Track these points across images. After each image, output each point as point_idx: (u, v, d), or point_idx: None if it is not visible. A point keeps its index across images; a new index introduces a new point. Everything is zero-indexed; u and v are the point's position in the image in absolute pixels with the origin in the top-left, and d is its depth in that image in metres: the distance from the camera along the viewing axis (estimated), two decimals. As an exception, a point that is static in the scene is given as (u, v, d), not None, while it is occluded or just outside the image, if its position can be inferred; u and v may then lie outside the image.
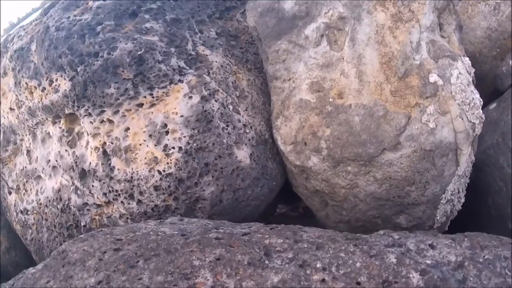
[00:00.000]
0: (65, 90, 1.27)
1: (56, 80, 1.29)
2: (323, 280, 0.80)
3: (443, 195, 1.20)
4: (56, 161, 1.36)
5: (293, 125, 1.23)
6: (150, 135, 1.20)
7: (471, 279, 0.80)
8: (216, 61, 1.35)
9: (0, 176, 1.59)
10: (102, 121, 1.24)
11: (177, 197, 1.19)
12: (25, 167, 1.49)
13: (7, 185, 1.58)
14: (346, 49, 1.16)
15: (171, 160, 1.18)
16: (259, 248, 0.85)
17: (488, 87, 1.90)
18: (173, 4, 1.42)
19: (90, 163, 1.27)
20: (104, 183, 1.24)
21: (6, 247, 1.79)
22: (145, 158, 1.20)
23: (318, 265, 0.82)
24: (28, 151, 1.49)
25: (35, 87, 1.34)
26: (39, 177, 1.46)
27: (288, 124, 1.24)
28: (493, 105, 1.64)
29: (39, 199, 1.44)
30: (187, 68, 1.28)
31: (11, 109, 1.49)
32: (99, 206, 1.28)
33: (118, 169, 1.22)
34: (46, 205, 1.42)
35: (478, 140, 1.29)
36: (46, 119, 1.38)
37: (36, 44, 1.34)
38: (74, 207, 1.32)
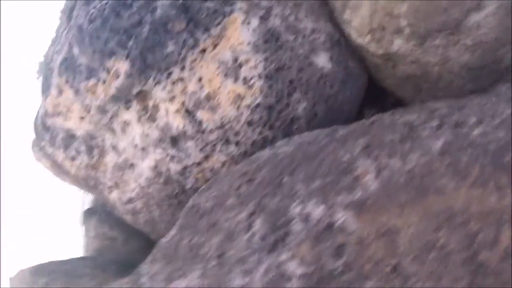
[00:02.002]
0: (126, 70, 1.26)
1: (113, 66, 1.28)
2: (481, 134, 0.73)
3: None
4: (143, 141, 1.36)
5: (364, 13, 1.15)
6: (225, 75, 1.17)
7: None
8: None
9: (98, 182, 1.62)
10: (173, 83, 1.22)
11: (272, 125, 1.16)
12: (116, 162, 1.50)
13: (106, 186, 1.61)
14: None
15: (255, 91, 1.15)
16: (400, 127, 0.78)
17: None
18: None
19: (177, 127, 1.25)
20: (197, 139, 1.22)
21: (122, 240, 1.84)
22: (229, 98, 1.17)
23: (472, 120, 0.74)
24: (113, 147, 1.49)
25: (95, 84, 1.34)
26: (132, 165, 1.46)
27: (359, 14, 1.17)
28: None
29: (140, 184, 1.45)
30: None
31: (81, 118, 1.48)
32: (199, 164, 1.27)
33: (206, 120, 1.20)
34: (148, 186, 1.43)
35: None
36: (118, 108, 1.38)
37: (77, 47, 1.33)
38: (175, 175, 1.32)
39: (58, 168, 1.62)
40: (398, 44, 1.14)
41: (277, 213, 0.66)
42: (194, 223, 0.84)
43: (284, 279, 0.58)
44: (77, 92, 1.38)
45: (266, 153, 0.91)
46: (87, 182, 1.62)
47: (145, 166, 1.41)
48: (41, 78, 1.53)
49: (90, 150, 1.54)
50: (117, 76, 1.28)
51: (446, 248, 0.56)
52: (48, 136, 1.53)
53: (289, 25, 1.19)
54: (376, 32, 1.15)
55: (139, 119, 1.34)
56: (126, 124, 1.40)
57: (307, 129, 1.18)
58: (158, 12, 1.19)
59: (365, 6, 1.14)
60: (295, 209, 0.66)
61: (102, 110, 1.39)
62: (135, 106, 1.33)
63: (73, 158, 1.54)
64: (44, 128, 1.52)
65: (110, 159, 1.52)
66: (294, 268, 0.60)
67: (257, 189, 0.74)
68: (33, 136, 1.66)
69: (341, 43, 1.27)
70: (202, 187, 0.94)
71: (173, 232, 0.94)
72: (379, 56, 1.19)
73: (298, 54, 1.17)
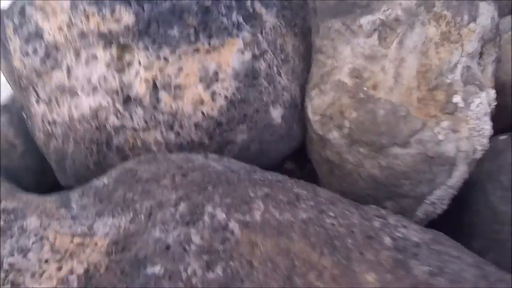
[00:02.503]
0: (128, 22, 1.37)
1: (120, 10, 1.38)
2: (332, 224, 1.01)
3: (429, 197, 1.41)
4: (99, 83, 1.45)
5: (326, 99, 1.40)
6: (200, 79, 1.34)
7: (422, 257, 1.03)
8: (269, 21, 1.48)
9: (32, 88, 1.65)
10: (158, 57, 1.36)
11: (212, 137, 1.35)
12: (62, 82, 1.55)
13: (37, 95, 1.64)
14: (393, 49, 1.32)
15: (215, 105, 1.33)
16: (291, 193, 1.04)
17: (508, 118, 2.09)
18: None
19: (137, 91, 1.39)
20: (147, 111, 1.37)
21: (21, 151, 1.86)
22: (192, 98, 1.34)
23: (331, 214, 1.03)
24: (68, 68, 1.53)
25: (94, 13, 1.41)
26: (75, 93, 1.52)
27: (322, 98, 1.41)
28: (503, 137, 1.81)
29: (72, 114, 1.52)
30: (244, 24, 1.40)
31: (59, 28, 1.52)
32: (135, 130, 1.41)
33: (165, 102, 1.35)
34: (78, 120, 1.50)
35: (477, 163, 1.48)
36: (97, 43, 1.45)
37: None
38: (110, 127, 1.44)
39: (4, 51, 1.64)
40: (334, 135, 1.40)
41: (196, 205, 0.91)
42: (130, 183, 1.01)
43: (187, 243, 0.86)
44: (74, 7, 1.44)
45: (200, 159, 1.11)
46: (21, 81, 1.65)
47: (86, 102, 1.49)
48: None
49: (46, 57, 1.58)
50: (117, 21, 1.38)
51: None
52: (17, 20, 1.56)
53: (270, 74, 1.41)
54: (325, 118, 1.41)
55: (108, 63, 1.44)
56: (94, 58, 1.47)
57: (236, 155, 1.39)
58: (185, 0, 1.33)
59: (329, 95, 1.40)
60: (208, 208, 0.91)
61: (83, 36, 1.46)
62: (113, 50, 1.44)
63: (26, 54, 1.58)
64: (20, 12, 1.55)
65: (59, 76, 1.57)
66: (195, 239, 0.87)
67: (188, 184, 0.96)
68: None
69: (298, 107, 1.51)
70: (140, 158, 1.11)
71: (106, 180, 1.09)
72: (317, 135, 1.45)
73: (262, 99, 1.38)
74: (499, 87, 1.92)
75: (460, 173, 1.42)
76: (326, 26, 1.43)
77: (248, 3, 1.45)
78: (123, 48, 1.45)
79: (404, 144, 1.34)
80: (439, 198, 1.47)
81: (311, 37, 1.55)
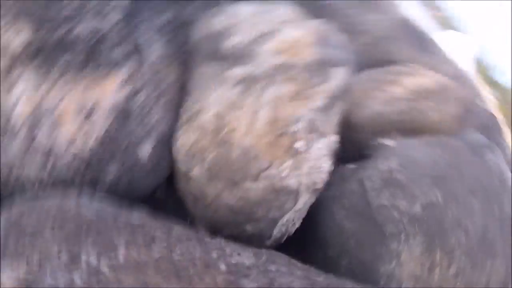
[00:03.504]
0: (23, 40, 1.41)
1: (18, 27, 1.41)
2: (179, 260, 1.24)
3: (281, 220, 1.68)
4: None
5: (190, 139, 1.59)
6: (79, 111, 1.43)
7: (252, 276, 1.29)
8: (153, 54, 1.60)
9: None
10: (46, 79, 1.41)
11: (83, 176, 1.46)
12: None
13: None
14: (251, 101, 1.54)
15: (87, 145, 1.44)
16: (148, 237, 1.25)
17: (358, 150, 2.35)
18: None
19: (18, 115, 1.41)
20: (24, 144, 1.41)
21: None
22: (66, 136, 1.42)
23: (178, 251, 1.26)
24: None
25: None
26: None
27: (187, 137, 1.60)
28: (351, 166, 2.06)
29: None
30: (128, 57, 1.51)
31: None
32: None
33: (42, 134, 1.41)
34: None
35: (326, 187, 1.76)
36: None
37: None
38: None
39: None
40: (196, 172, 1.60)
41: (75, 255, 1.12)
42: (18, 237, 1.16)
43: (72, 286, 1.08)
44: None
45: (73, 208, 1.25)
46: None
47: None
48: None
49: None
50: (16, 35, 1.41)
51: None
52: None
53: (143, 112, 1.54)
54: (189, 156, 1.60)
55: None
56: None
57: (107, 190, 1.51)
58: (80, 28, 1.43)
59: (193, 135, 1.59)
60: (83, 257, 1.13)
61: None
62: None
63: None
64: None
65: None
66: (78, 283, 1.09)
67: (66, 236, 1.15)
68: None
69: (165, 144, 1.67)
70: (21, 208, 1.24)
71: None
72: (182, 171, 1.64)
73: (131, 138, 1.51)
74: (352, 127, 2.27)
75: (304, 200, 1.71)
76: (200, 71, 1.62)
77: (134, 36, 1.56)
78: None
79: (255, 180, 1.57)
80: (289, 220, 1.74)
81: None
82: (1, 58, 1.43)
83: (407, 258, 1.70)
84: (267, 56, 1.55)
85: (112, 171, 1.49)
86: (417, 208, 1.72)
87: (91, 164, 1.45)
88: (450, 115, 2.56)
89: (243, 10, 1.62)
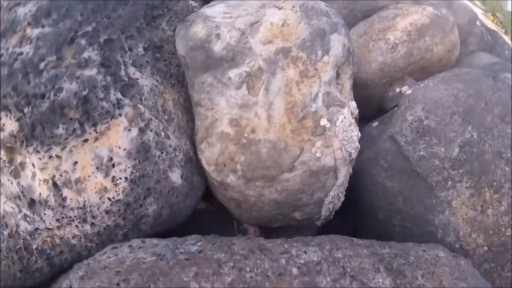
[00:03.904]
0: (12, 130, 1.40)
1: (0, 119, 1.42)
2: (251, 277, 1.21)
3: (326, 199, 1.67)
4: (-2, 189, 1.49)
5: (215, 151, 1.57)
6: (97, 168, 1.43)
7: (324, 270, 1.28)
8: (146, 85, 1.56)
9: None
10: (50, 157, 1.41)
11: (125, 217, 1.45)
12: None
13: None
14: (261, 96, 1.51)
15: (119, 188, 1.44)
16: (214, 262, 1.22)
17: (375, 105, 2.40)
18: (106, 22, 1.53)
19: (40, 194, 1.44)
20: (57, 211, 1.43)
21: None
22: (95, 188, 1.43)
23: (248, 269, 1.22)
24: None
25: None
26: None
27: (211, 149, 1.58)
28: (375, 123, 2.10)
29: None
30: (123, 99, 1.47)
31: None
32: (50, 230, 1.46)
33: (70, 198, 1.42)
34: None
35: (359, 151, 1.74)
36: None
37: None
38: (24, 232, 1.48)
39: None
40: (231, 179, 1.58)
41: None
42: None
43: None
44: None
45: (129, 255, 1.23)
46: None
47: (-9, 212, 1.52)
48: None
49: None
50: (1, 130, 1.42)
51: None
52: None
53: (159, 141, 1.52)
54: (219, 166, 1.58)
55: (1, 168, 1.48)
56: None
57: (153, 224, 1.51)
58: (63, 95, 1.37)
59: (217, 146, 1.56)
60: None
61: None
62: (2, 155, 1.47)
63: None
64: None
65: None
66: None
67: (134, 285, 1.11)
68: None
69: (193, 160, 1.66)
70: (79, 273, 1.20)
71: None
72: (216, 181, 1.62)
73: (159, 168, 1.50)
74: (362, 84, 2.24)
75: (343, 173, 1.69)
76: (200, 81, 1.57)
77: (122, 72, 1.51)
78: (11, 151, 1.48)
79: (291, 169, 1.55)
80: (334, 196, 1.73)
81: (188, 87, 1.68)
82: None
83: (458, 204, 1.69)
84: (259, 49, 1.51)
85: (152, 204, 1.48)
86: (455, 151, 1.71)
87: (130, 203, 1.44)
88: (452, 43, 2.53)
89: (216, 12, 1.57)
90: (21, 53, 1.43)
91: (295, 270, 1.26)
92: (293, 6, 1.54)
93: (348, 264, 1.36)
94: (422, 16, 2.41)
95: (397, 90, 2.28)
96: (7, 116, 1.42)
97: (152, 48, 1.68)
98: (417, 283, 1.32)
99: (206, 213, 1.89)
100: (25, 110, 1.39)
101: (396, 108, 1.96)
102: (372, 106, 2.37)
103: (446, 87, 1.90)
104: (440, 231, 1.71)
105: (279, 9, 1.54)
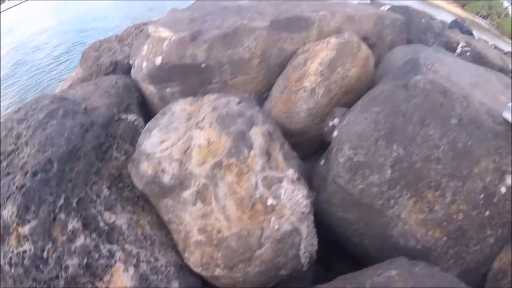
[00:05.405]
0: None
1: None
2: None
3: (299, 252, 1.97)
4: None
5: (197, 256, 1.89)
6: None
7: None
8: (123, 223, 1.85)
9: None
10: None
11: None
12: None
13: None
14: (214, 204, 1.82)
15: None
16: None
17: (318, 141, 2.61)
18: (71, 186, 1.79)
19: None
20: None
21: None
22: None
23: None
24: None
25: None
26: None
27: (194, 256, 1.89)
28: (322, 161, 2.33)
29: None
30: (111, 246, 1.76)
31: None
32: None
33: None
34: None
35: (317, 193, 2.03)
36: None
37: None
38: None
39: None
40: (217, 271, 1.89)
41: None
42: None
43: None
44: None
45: None
46: None
47: None
48: None
49: None
50: None
51: None
52: None
53: (152, 267, 1.83)
54: (204, 265, 1.89)
55: None
56: None
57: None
58: (71, 270, 1.67)
59: (197, 252, 1.88)
60: None
61: None
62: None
63: None
64: None
65: None
66: None
67: None
68: None
69: (183, 266, 1.97)
70: None
71: None
72: (207, 276, 1.93)
73: (164, 282, 1.80)
74: (299, 132, 2.50)
75: (305, 227, 1.98)
76: (163, 205, 1.89)
77: (101, 223, 1.80)
78: None
79: (260, 246, 1.86)
80: (306, 246, 2.01)
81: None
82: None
83: (407, 215, 1.97)
84: (198, 171, 1.83)
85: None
86: (387, 173, 1.99)
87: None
88: (364, 59, 2.76)
89: (154, 144, 1.89)
90: (24, 251, 1.71)
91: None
92: (211, 123, 1.86)
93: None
94: (328, 51, 2.63)
95: (330, 124, 2.53)
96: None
97: (113, 181, 1.98)
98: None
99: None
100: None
101: (331, 144, 2.24)
102: (315, 142, 2.67)
103: (366, 116, 2.17)
104: (401, 240, 2.00)
105: (201, 129, 1.87)
